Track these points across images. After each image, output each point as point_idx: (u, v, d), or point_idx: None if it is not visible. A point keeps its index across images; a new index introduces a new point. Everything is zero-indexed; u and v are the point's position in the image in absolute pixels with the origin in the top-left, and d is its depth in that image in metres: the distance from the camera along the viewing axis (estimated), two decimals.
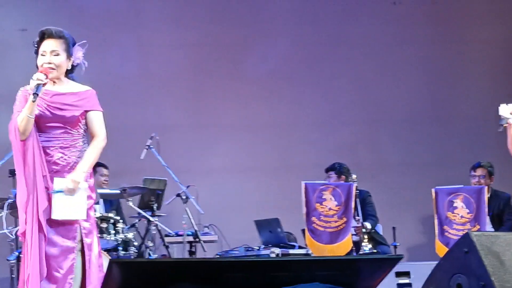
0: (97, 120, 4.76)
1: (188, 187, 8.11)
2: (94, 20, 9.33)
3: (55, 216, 4.56)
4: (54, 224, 4.58)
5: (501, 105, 5.49)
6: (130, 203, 7.79)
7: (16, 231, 6.74)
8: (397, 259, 4.11)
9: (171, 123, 9.36)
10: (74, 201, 4.58)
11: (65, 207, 4.56)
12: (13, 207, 6.67)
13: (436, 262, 4.11)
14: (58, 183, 4.58)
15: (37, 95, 4.53)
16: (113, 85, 9.16)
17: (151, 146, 8.20)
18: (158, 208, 8.15)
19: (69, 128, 4.69)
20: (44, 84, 4.58)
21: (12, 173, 6.73)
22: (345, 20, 9.81)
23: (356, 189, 7.51)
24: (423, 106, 9.76)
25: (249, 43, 9.67)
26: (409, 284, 6.97)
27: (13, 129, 4.60)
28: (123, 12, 9.58)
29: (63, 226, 4.60)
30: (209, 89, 9.59)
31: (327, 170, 8.33)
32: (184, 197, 8.03)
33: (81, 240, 4.64)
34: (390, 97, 9.77)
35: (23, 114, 4.57)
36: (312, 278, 3.82)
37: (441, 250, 7.09)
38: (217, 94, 9.59)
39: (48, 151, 4.64)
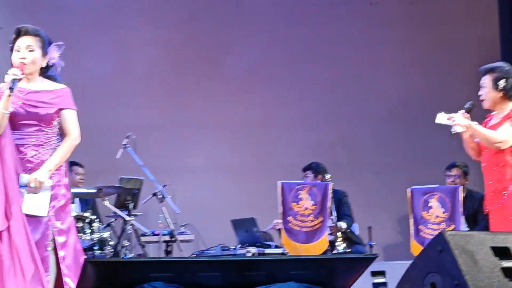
0: (70, 118, 4.75)
1: (164, 186, 8.10)
2: (71, 19, 9.28)
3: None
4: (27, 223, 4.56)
5: (438, 114, 5.54)
6: (106, 203, 7.77)
7: None
8: (371, 258, 4.13)
9: (148, 123, 9.33)
10: (37, 197, 4.57)
11: (28, 202, 4.55)
12: None
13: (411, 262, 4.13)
14: (23, 178, 4.56)
15: (13, 90, 4.52)
16: (91, 83, 9.11)
17: (127, 146, 8.18)
18: (134, 207, 8.13)
19: (43, 126, 4.67)
20: (19, 80, 4.57)
21: None
22: (323, 20, 9.82)
23: (332, 189, 7.53)
24: (400, 106, 9.80)
25: (227, 42, 9.66)
26: (385, 283, 7.00)
27: None
28: (101, 10, 9.53)
29: (36, 225, 4.57)
30: (187, 88, 9.57)
31: (304, 170, 8.35)
32: (160, 196, 8.02)
33: (53, 240, 4.62)
34: (367, 97, 9.81)
35: None
36: (287, 277, 3.83)
37: (416, 249, 7.11)
38: (195, 93, 9.57)
39: (21, 149, 4.62)
